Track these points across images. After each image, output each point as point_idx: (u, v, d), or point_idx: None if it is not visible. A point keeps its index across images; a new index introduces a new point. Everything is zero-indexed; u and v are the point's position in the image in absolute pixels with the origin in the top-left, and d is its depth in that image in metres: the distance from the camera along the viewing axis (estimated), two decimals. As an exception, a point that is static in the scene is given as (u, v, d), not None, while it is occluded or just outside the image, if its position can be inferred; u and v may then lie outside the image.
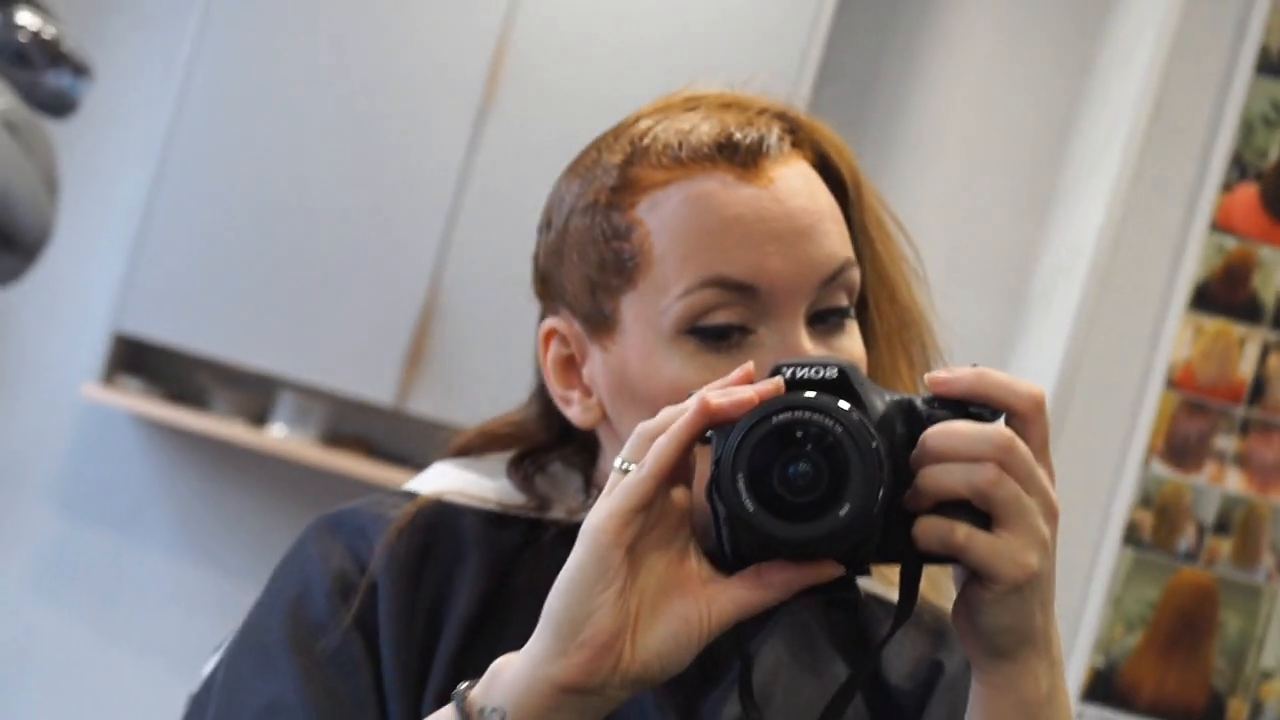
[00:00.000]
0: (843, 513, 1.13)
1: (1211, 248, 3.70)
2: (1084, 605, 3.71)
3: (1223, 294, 3.71)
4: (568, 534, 1.41)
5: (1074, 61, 4.52)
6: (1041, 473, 1.19)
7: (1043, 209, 4.55)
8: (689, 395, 1.25)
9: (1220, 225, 3.71)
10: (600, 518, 1.16)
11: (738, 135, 1.43)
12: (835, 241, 1.42)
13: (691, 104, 1.49)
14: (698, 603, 1.18)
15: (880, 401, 1.22)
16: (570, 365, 1.51)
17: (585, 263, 1.46)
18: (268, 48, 4.30)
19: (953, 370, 1.22)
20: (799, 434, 1.15)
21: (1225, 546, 3.69)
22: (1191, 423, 3.71)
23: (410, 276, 4.20)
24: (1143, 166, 3.80)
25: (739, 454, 1.16)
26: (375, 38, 4.30)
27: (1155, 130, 3.80)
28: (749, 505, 1.14)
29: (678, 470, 1.19)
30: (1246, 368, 3.70)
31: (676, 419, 1.18)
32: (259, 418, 4.51)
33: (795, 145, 1.47)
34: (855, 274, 1.44)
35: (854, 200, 1.51)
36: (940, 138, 4.59)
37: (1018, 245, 4.50)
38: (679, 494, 1.20)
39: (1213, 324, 3.71)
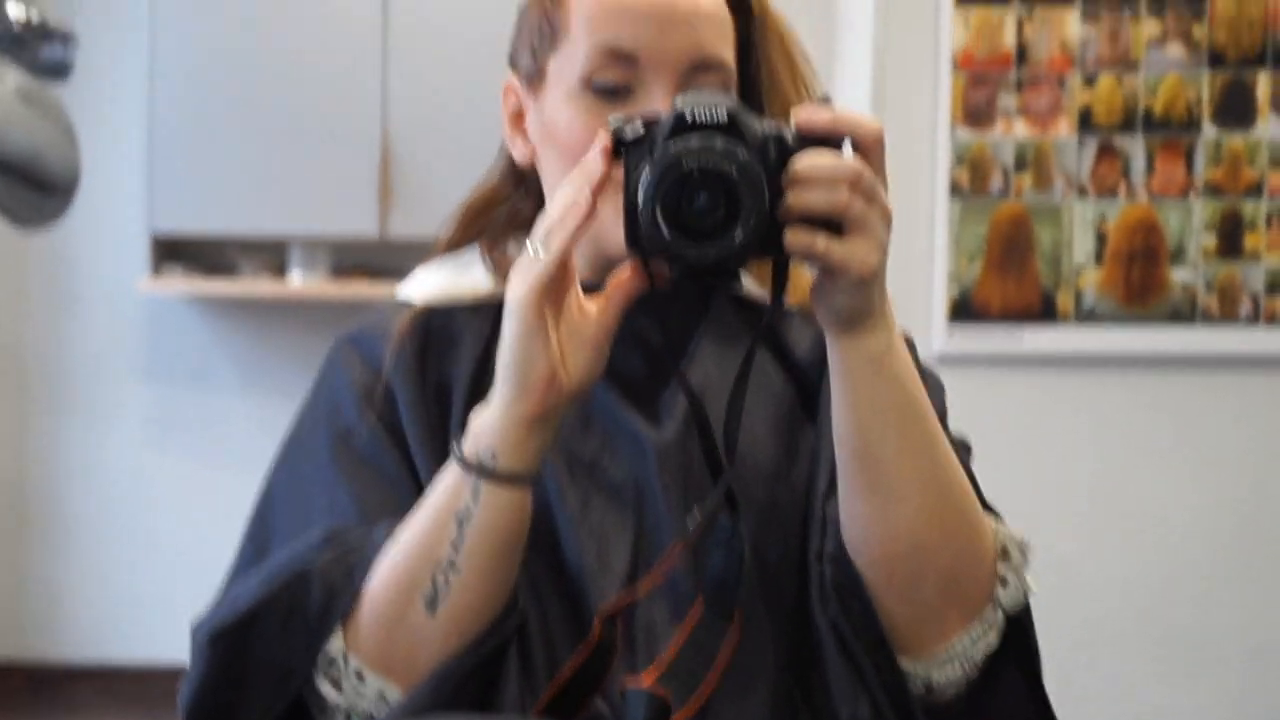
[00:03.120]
0: (737, 236, 1.33)
1: (962, -46, 4.11)
2: (933, 250, 4.19)
3: (978, -13, 4.13)
4: None
5: None
6: (881, 189, 1.36)
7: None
8: (586, 137, 1.49)
9: (963, -65, 4.12)
10: (520, 294, 1.38)
11: None
12: (710, 39, 1.58)
13: None
14: (592, 323, 1.41)
15: (760, 130, 1.36)
16: (519, 117, 1.68)
17: (530, 32, 1.65)
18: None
19: (813, 109, 1.38)
20: (701, 175, 1.33)
21: (1026, 180, 4.17)
22: (978, 92, 4.17)
23: (365, 133, 4.68)
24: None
25: (656, 191, 1.33)
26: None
27: None
28: (664, 229, 1.33)
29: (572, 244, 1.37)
30: (1009, 40, 4.14)
31: (568, 216, 1.37)
32: (279, 271, 4.94)
33: None
34: (728, 73, 1.59)
35: (757, 25, 1.66)
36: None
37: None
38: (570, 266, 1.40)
39: (976, 11, 4.15)
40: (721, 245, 1.33)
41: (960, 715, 1.55)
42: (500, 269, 1.70)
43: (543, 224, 1.39)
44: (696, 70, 1.57)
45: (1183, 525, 4.31)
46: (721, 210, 1.33)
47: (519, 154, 1.69)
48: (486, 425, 1.42)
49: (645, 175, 1.34)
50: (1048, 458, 4.30)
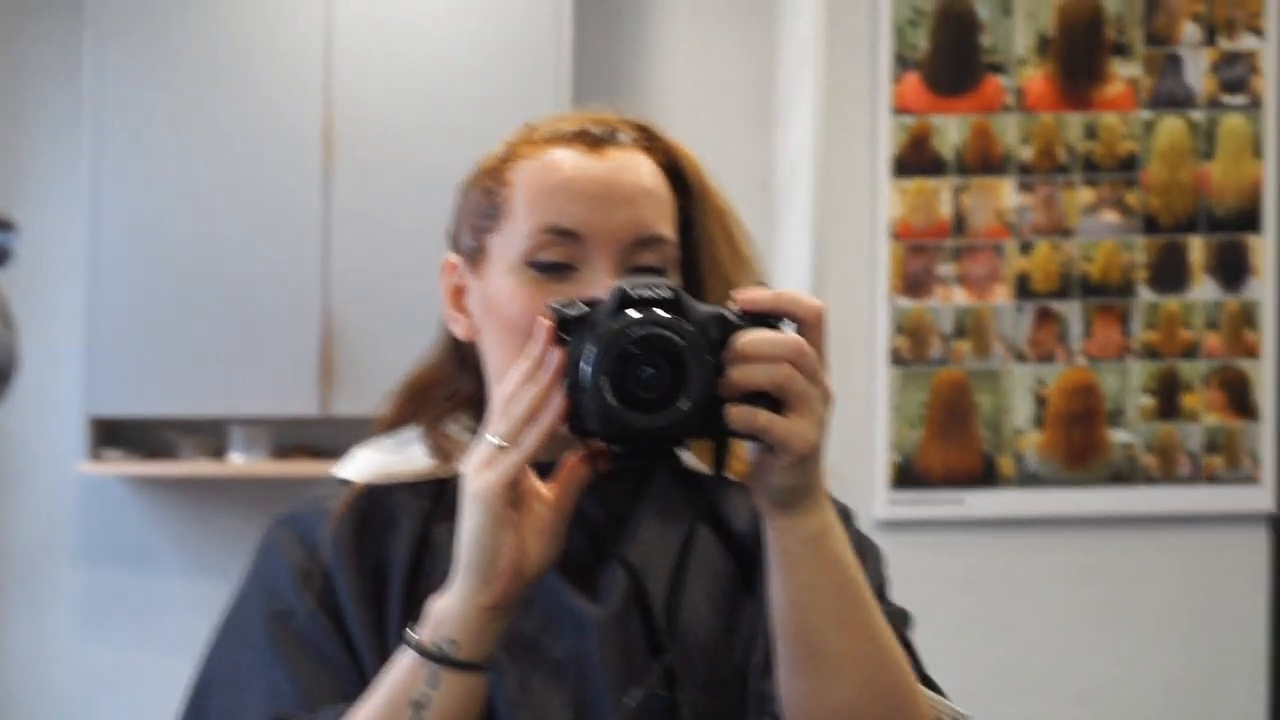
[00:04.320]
0: (684, 406, 1.34)
1: (897, 127, 4.26)
2: (874, 417, 4.25)
3: (914, 159, 4.26)
4: None
5: (763, 10, 4.94)
6: (821, 367, 1.38)
7: (768, 125, 4.91)
8: (528, 313, 1.53)
9: (899, 108, 4.27)
10: (488, 486, 1.38)
11: (593, 128, 1.63)
12: (652, 216, 1.60)
13: (572, 116, 1.68)
14: (549, 511, 1.41)
15: (700, 312, 1.38)
16: (459, 293, 1.68)
17: (471, 211, 1.66)
18: (148, 158, 4.72)
19: (755, 290, 1.40)
20: (647, 345, 1.34)
21: (965, 347, 4.26)
22: (917, 261, 4.26)
23: (306, 313, 4.68)
24: (832, 78, 4.29)
25: (602, 364, 1.34)
26: (221, 128, 4.72)
27: (833, 49, 4.30)
28: (612, 401, 1.34)
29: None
30: (946, 210, 4.26)
31: (542, 413, 1.38)
32: (219, 452, 4.90)
33: (647, 149, 1.65)
34: (669, 249, 1.61)
35: (697, 202, 1.68)
36: (676, 89, 4.99)
37: (757, 157, 4.86)
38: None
39: (913, 184, 4.26)
40: (669, 415, 1.34)
41: None
42: (440, 449, 1.70)
43: (500, 412, 1.40)
44: (638, 247, 1.58)
45: (1130, 683, 4.35)
46: (667, 381, 1.34)
47: (460, 330, 1.69)
48: (447, 613, 1.41)
49: (590, 351, 1.35)
50: (993, 619, 4.33)
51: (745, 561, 1.67)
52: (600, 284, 1.53)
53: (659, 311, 1.35)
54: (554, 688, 1.58)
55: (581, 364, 1.36)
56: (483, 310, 1.64)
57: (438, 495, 1.68)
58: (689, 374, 1.34)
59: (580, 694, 1.57)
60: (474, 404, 1.72)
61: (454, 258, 1.70)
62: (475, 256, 1.65)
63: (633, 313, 1.35)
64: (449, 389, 1.74)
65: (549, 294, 1.53)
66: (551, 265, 1.57)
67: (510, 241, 1.60)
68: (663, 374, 1.34)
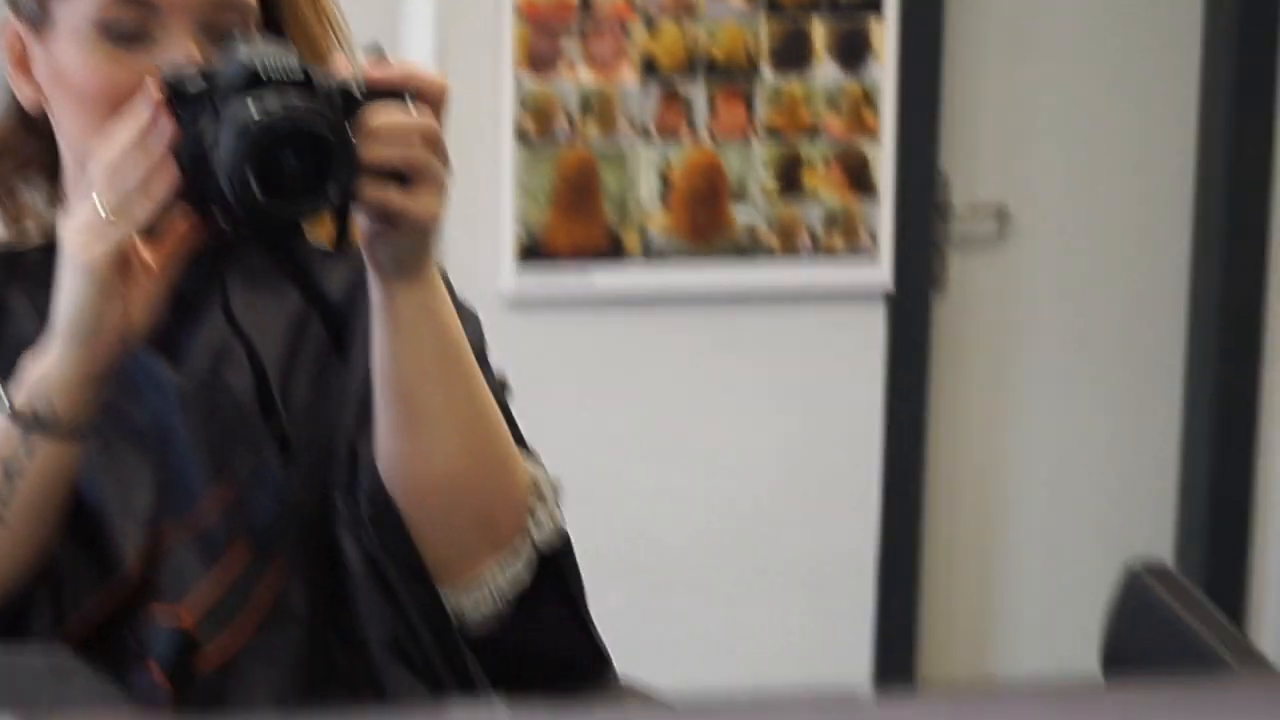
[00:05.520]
0: (331, 192, 1.36)
1: (518, -103, 4.12)
2: (499, 195, 4.21)
3: (539, -65, 4.15)
4: (45, 251, 1.62)
5: None
6: (444, 142, 1.44)
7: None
8: (104, 84, 1.50)
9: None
10: (95, 256, 1.38)
11: None
12: None
13: None
14: (152, 280, 1.43)
15: (328, 87, 1.39)
16: (22, 59, 1.60)
17: None
18: None
19: (381, 63, 1.43)
20: (292, 136, 1.34)
21: (591, 126, 4.24)
22: (542, 40, 4.20)
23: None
24: None
25: (246, 152, 1.34)
26: None
27: None
28: (255, 189, 1.34)
29: None
30: (572, -13, 4.18)
31: (154, 184, 1.38)
32: None
33: None
34: (250, 12, 1.55)
35: None
36: None
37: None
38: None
39: (538, -40, 4.16)
40: (312, 201, 1.37)
41: (504, 649, 1.62)
42: (11, 215, 1.68)
43: (106, 183, 1.39)
44: (216, 10, 1.54)
45: (750, 452, 4.48)
46: (310, 167, 1.35)
47: (25, 99, 1.63)
48: (45, 380, 1.43)
49: (225, 134, 1.34)
50: (618, 392, 4.39)
51: (335, 326, 1.69)
52: (180, 50, 1.50)
53: (291, 93, 1.35)
54: (135, 451, 1.58)
55: (210, 143, 1.36)
56: (51, 80, 1.58)
57: (11, 261, 1.66)
58: (333, 160, 1.35)
59: (164, 460, 1.58)
60: (44, 169, 1.68)
61: (14, 20, 1.62)
62: (38, 21, 1.58)
63: (266, 95, 1.34)
64: (18, 155, 1.69)
65: (123, 63, 1.50)
66: (125, 33, 1.52)
67: (76, 6, 1.54)
68: (305, 160, 1.35)
